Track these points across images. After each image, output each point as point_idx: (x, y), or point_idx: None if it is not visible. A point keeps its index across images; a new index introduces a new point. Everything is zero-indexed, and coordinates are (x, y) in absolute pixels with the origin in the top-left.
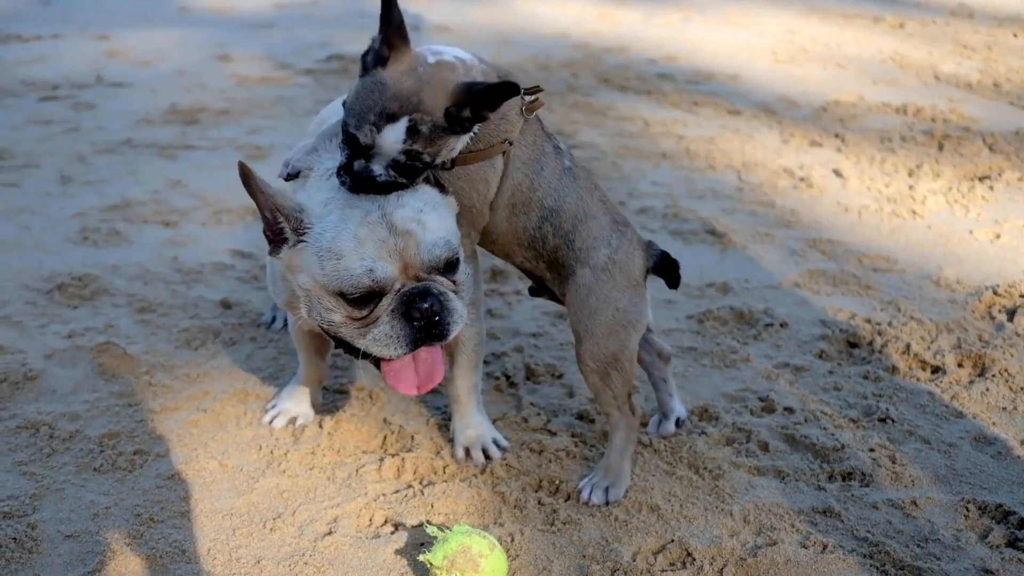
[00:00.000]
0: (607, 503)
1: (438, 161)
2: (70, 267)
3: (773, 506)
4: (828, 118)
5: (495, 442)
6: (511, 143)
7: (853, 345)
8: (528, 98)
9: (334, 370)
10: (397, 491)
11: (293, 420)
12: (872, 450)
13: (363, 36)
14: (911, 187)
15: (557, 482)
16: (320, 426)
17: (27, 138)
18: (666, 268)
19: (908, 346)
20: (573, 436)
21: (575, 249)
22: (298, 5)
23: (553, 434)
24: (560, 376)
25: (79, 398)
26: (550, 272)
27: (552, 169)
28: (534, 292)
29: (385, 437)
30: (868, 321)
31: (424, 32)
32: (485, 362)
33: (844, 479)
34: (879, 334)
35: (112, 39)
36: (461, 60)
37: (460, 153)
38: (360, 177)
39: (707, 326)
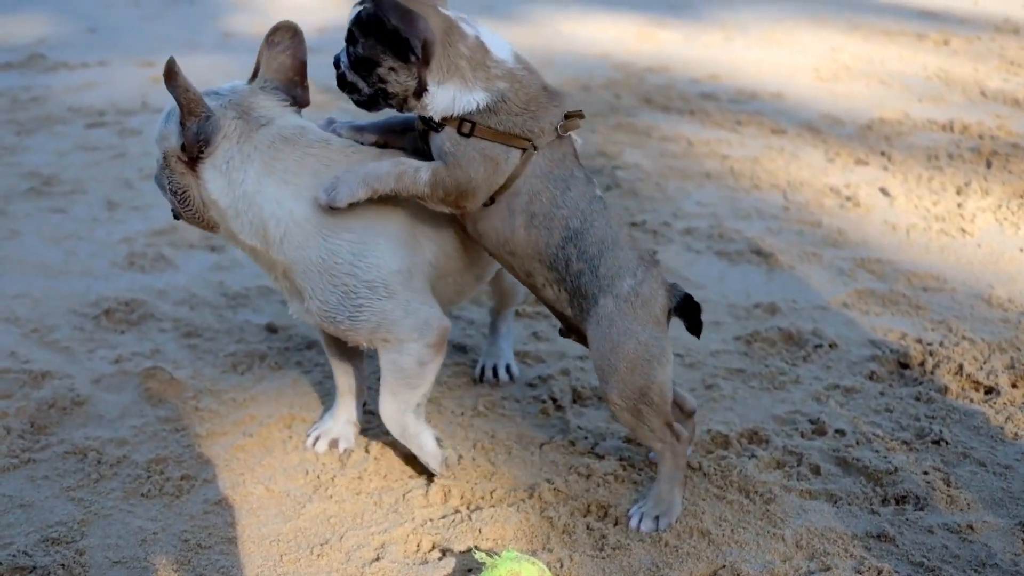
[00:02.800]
0: (657, 530)
1: (400, 94)
2: (117, 292)
3: (826, 531)
4: (873, 136)
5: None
6: (536, 147)
7: (904, 366)
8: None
9: (373, 391)
10: (444, 516)
11: (335, 442)
12: (926, 473)
13: None
14: (959, 205)
15: (606, 507)
16: (367, 451)
17: (74, 164)
18: (688, 311)
19: (960, 367)
20: (621, 460)
21: (599, 276)
22: (340, 30)
23: (601, 458)
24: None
25: (126, 423)
26: (571, 305)
27: (580, 192)
28: (564, 334)
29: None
30: (919, 341)
31: None
32: (531, 385)
33: (898, 503)
34: (930, 355)
35: (157, 65)
36: None
37: (476, 124)
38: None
39: (755, 347)
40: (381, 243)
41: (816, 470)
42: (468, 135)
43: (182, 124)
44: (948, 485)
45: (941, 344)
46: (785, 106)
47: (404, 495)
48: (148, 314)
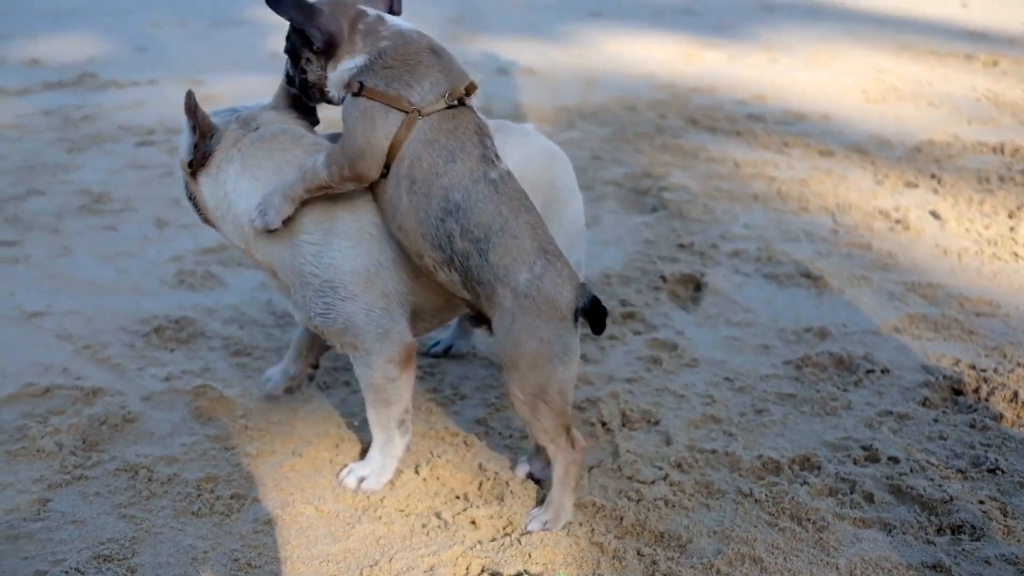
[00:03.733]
0: (543, 529)
1: (316, 83)
2: (167, 310)
3: (880, 560)
4: (923, 158)
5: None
6: (420, 113)
7: (958, 392)
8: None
9: (429, 414)
10: (494, 539)
11: (361, 480)
12: (982, 502)
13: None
14: (1011, 228)
15: (656, 532)
16: (416, 471)
17: (125, 182)
18: (594, 313)
19: (1016, 393)
20: (671, 485)
21: (491, 263)
22: None
23: (651, 483)
24: (657, 423)
25: (176, 441)
26: (468, 290)
27: (467, 167)
28: (473, 323)
29: (481, 483)
30: (973, 367)
31: (513, 75)
32: (579, 407)
33: (954, 532)
34: (985, 381)
35: (205, 84)
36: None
37: (363, 84)
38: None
39: (806, 372)
40: (337, 241)
41: (869, 498)
42: (357, 94)
43: (195, 144)
44: (1005, 515)
45: (995, 370)
46: (833, 127)
47: (453, 517)
48: (198, 332)
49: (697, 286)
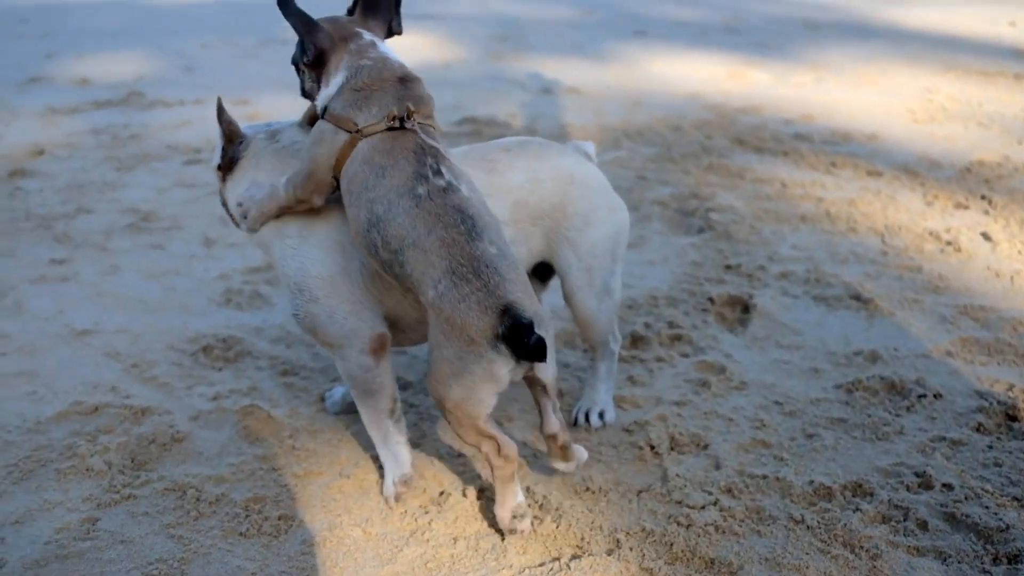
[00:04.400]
0: None
1: (312, 95)
2: (214, 329)
3: None
4: (973, 179)
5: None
6: (361, 133)
7: (1012, 418)
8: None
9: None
10: (542, 564)
11: (393, 483)
12: None
13: (494, 98)
14: None
15: (707, 558)
16: (464, 494)
17: (172, 201)
18: (513, 338)
19: None
20: (721, 510)
21: (408, 274)
22: (430, 69)
23: (701, 508)
24: (706, 447)
25: (224, 461)
26: (406, 294)
27: (395, 182)
28: None
29: (528, 507)
30: None
31: (557, 94)
32: (627, 430)
33: (1011, 562)
34: None
35: (251, 104)
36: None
37: (327, 108)
38: None
39: (857, 396)
40: (308, 248)
41: (923, 525)
42: (322, 117)
43: (223, 149)
44: None
45: None
46: (880, 148)
47: (502, 540)
48: (245, 351)
49: (745, 308)
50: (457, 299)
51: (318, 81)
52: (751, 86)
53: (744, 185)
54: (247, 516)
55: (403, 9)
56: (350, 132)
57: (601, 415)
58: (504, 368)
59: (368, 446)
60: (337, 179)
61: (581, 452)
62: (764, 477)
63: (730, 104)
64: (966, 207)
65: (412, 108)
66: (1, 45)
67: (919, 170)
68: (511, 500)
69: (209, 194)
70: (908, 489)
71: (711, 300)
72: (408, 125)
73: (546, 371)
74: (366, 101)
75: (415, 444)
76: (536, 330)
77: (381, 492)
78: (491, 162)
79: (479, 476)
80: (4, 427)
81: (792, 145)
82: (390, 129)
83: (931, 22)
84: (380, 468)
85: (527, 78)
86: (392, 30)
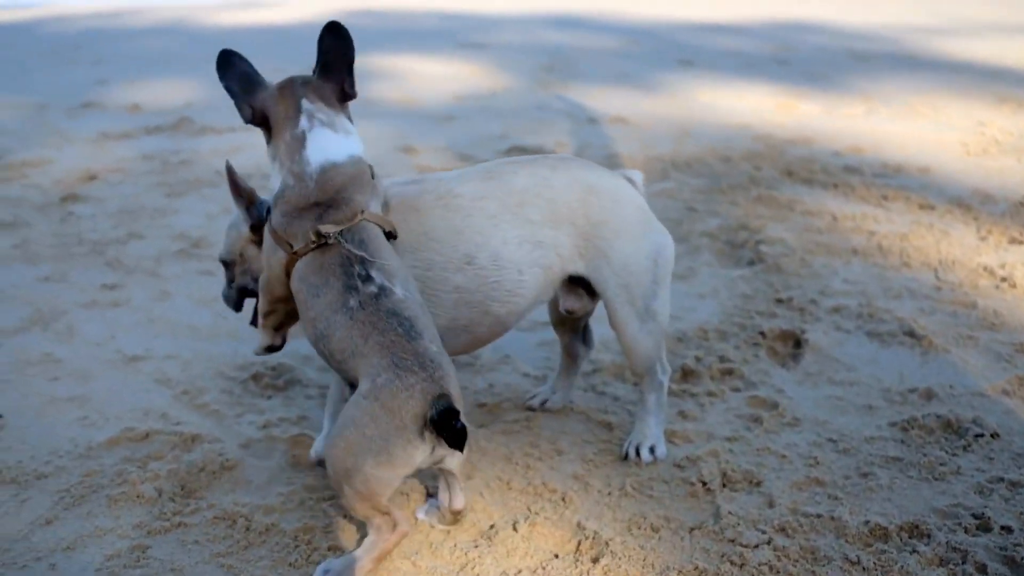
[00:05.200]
0: None
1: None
2: (264, 356)
3: None
4: None
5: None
6: (297, 255)
7: None
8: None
9: (526, 469)
10: None
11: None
12: None
13: (541, 128)
14: None
15: None
16: (514, 528)
17: (221, 228)
18: (441, 425)
19: None
20: (775, 550)
21: (355, 376)
22: (477, 98)
23: (754, 547)
24: (759, 484)
25: (274, 490)
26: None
27: (330, 300)
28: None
29: (579, 543)
30: None
31: (604, 124)
32: (679, 466)
33: None
34: None
35: None
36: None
37: (270, 210)
38: None
39: (912, 435)
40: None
41: (982, 569)
42: (267, 218)
43: (247, 210)
44: None
45: None
46: (933, 181)
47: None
48: (295, 379)
49: (797, 343)
50: (400, 388)
51: (268, 142)
52: (800, 117)
53: (794, 217)
54: (296, 546)
55: (451, 37)
56: (287, 252)
57: (652, 449)
58: (421, 455)
59: (414, 481)
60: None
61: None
62: (818, 516)
63: (779, 135)
64: (1021, 242)
65: (331, 231)
66: (54, 71)
67: (972, 204)
68: (371, 565)
69: None
70: (966, 531)
71: (762, 334)
72: (331, 240)
73: (454, 462)
74: (293, 222)
75: (467, 476)
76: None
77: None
78: (492, 171)
79: (529, 510)
80: (56, 452)
81: (842, 177)
82: (318, 247)
83: (982, 54)
84: (429, 497)
85: (573, 107)
86: (346, 92)
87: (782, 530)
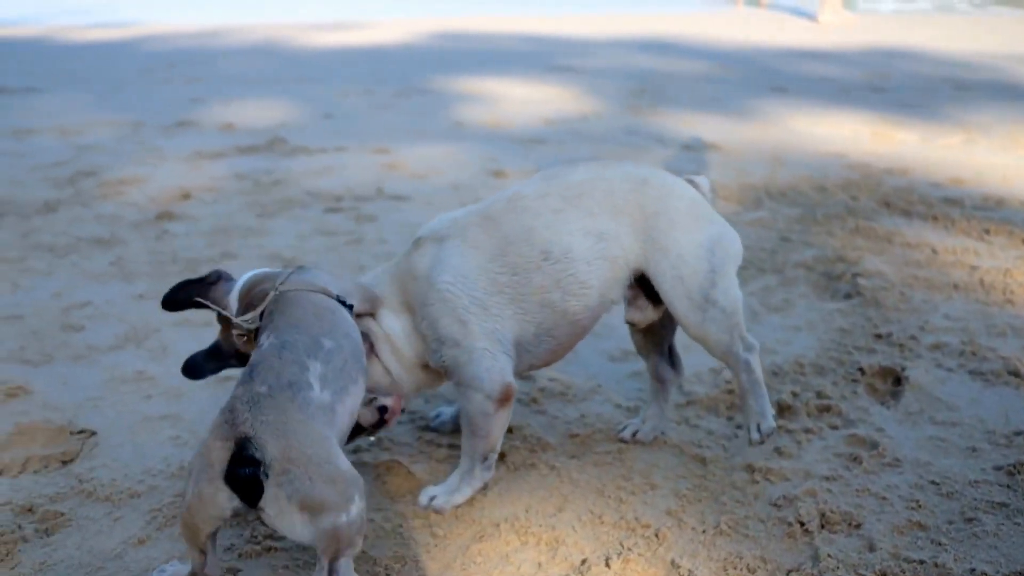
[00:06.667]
0: None
1: None
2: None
3: None
4: None
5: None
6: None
7: None
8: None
9: (618, 503)
10: None
11: (432, 498)
12: None
13: (631, 153)
14: None
15: None
16: (607, 565)
17: (312, 248)
18: (231, 465)
19: None
20: None
21: None
22: (567, 121)
23: None
24: (859, 526)
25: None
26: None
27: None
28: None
29: None
30: None
31: (696, 150)
32: (775, 504)
33: None
34: None
35: (391, 152)
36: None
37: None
38: None
39: (1018, 480)
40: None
41: None
42: None
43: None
44: None
45: None
46: None
47: None
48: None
49: (897, 380)
50: (212, 428)
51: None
52: (897, 146)
53: (892, 249)
54: (387, 575)
55: (541, 60)
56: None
57: (758, 427)
58: (224, 499)
59: (508, 507)
60: None
61: None
62: (921, 562)
63: (875, 164)
64: None
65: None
66: (150, 89)
67: None
68: None
69: (348, 242)
70: None
71: (861, 370)
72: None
73: (279, 520)
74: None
75: (559, 509)
76: (263, 471)
77: (427, 500)
78: (551, 172)
79: (622, 545)
80: (149, 471)
81: (942, 209)
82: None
83: None
84: (517, 533)
85: (665, 133)
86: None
87: (883, 575)
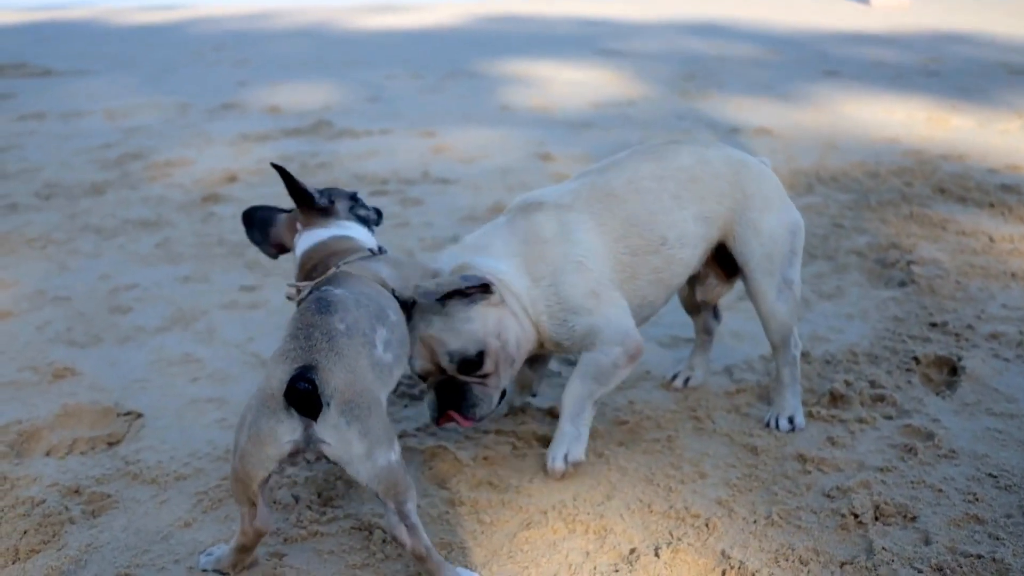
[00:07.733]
0: None
1: None
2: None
3: None
4: None
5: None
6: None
7: None
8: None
9: (668, 492)
10: None
11: (565, 456)
12: None
13: (681, 137)
14: None
15: None
16: (656, 554)
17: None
18: (290, 384)
19: None
20: None
21: None
22: (615, 105)
23: None
24: (914, 519)
25: None
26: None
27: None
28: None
29: (724, 572)
30: None
31: (747, 134)
32: (828, 495)
33: None
34: None
35: (438, 136)
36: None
37: None
38: None
39: None
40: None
41: None
42: None
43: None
44: None
45: None
46: None
47: None
48: None
49: (953, 370)
50: (279, 354)
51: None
52: (952, 131)
53: (948, 237)
54: None
55: (589, 44)
56: None
57: (791, 420)
58: (286, 430)
59: (556, 495)
60: None
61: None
62: (979, 557)
63: (930, 150)
64: None
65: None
66: (197, 71)
67: None
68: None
69: (396, 226)
70: None
71: (916, 360)
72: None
73: (338, 449)
74: None
75: (608, 497)
76: (323, 395)
77: (547, 463)
78: (657, 152)
79: (671, 535)
80: (195, 454)
81: (999, 196)
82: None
83: None
84: (564, 521)
85: (714, 117)
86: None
87: (939, 569)
